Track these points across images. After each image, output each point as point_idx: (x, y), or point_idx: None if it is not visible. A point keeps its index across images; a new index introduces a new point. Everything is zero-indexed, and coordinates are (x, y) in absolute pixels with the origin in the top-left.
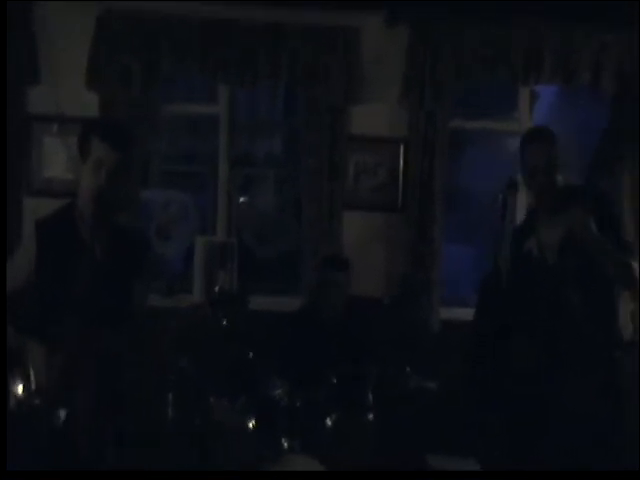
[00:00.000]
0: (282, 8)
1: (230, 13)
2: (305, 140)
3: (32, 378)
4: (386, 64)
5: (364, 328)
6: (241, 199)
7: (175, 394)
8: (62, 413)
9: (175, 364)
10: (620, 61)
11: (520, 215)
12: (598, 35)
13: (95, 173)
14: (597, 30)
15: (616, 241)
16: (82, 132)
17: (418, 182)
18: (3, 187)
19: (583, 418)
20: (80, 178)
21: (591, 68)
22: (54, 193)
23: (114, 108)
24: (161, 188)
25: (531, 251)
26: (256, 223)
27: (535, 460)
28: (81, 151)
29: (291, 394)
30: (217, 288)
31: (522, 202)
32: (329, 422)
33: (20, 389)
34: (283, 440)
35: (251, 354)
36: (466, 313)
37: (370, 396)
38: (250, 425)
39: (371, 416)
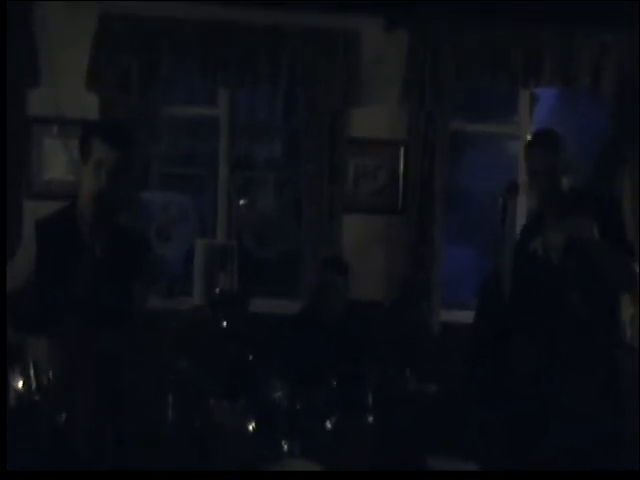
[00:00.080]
0: (282, 10)
1: (230, 14)
2: (305, 143)
3: (32, 378)
4: (386, 66)
5: (364, 330)
6: (241, 201)
7: (175, 395)
8: (62, 413)
9: (175, 365)
10: (620, 62)
11: (520, 218)
12: (598, 36)
13: (96, 174)
14: (597, 31)
15: (618, 245)
16: (83, 133)
17: (418, 184)
18: (3, 189)
19: (583, 418)
20: (81, 179)
21: (591, 70)
22: (54, 195)
23: (114, 110)
24: (161, 190)
25: (536, 251)
26: (256, 225)
27: (535, 460)
28: (82, 152)
29: (291, 396)
30: (217, 290)
31: (522, 205)
32: (329, 425)
33: (20, 389)
34: (283, 442)
35: (251, 356)
36: (466, 315)
37: (370, 399)
38: (250, 427)
39: (371, 419)
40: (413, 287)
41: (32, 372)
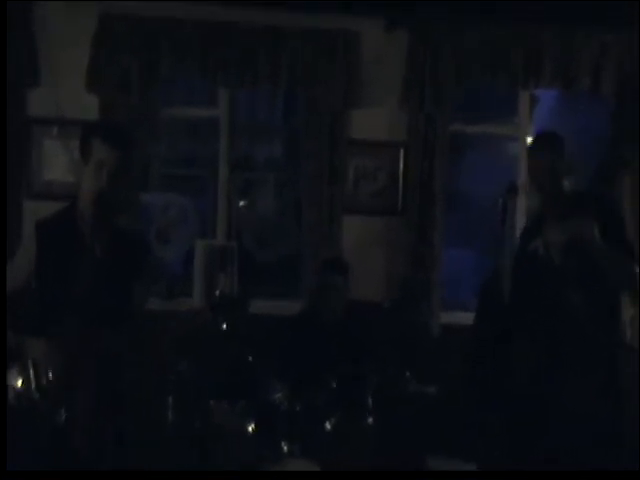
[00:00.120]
0: (282, 10)
1: (230, 15)
2: (305, 144)
3: (32, 378)
4: (386, 67)
5: (364, 331)
6: (241, 202)
7: (175, 396)
8: (62, 413)
9: (175, 366)
10: (620, 62)
11: (520, 219)
12: (598, 36)
13: (96, 175)
14: (597, 31)
15: (619, 246)
16: (83, 134)
17: (418, 186)
18: (3, 189)
19: (583, 418)
20: (81, 180)
21: (591, 70)
22: (54, 196)
23: (114, 110)
24: (161, 191)
25: (537, 250)
26: (256, 227)
27: (535, 460)
28: (82, 153)
29: (291, 397)
30: (218, 292)
31: (522, 206)
32: (329, 425)
33: (20, 389)
34: (283, 443)
35: (251, 357)
36: (466, 317)
37: (370, 399)
38: (250, 428)
39: (371, 419)
40: (413, 288)
41: (32, 372)
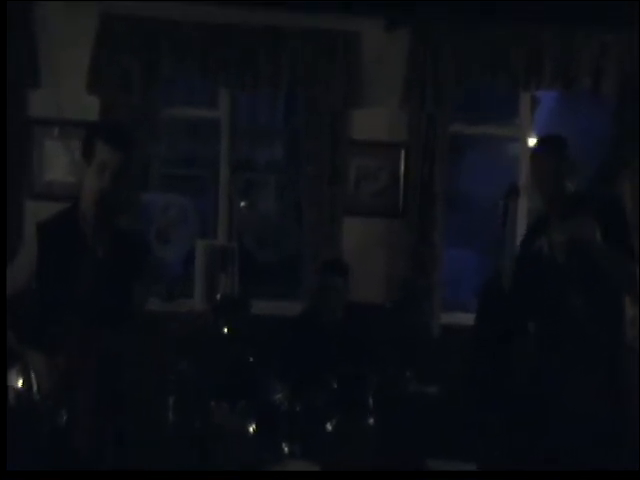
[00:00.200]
0: (282, 11)
1: (230, 15)
2: (306, 145)
3: (32, 378)
4: (386, 67)
5: (365, 332)
6: (242, 203)
7: (176, 397)
8: (62, 413)
9: (176, 367)
10: (620, 63)
11: (521, 220)
12: (598, 36)
13: (99, 176)
14: (597, 31)
15: (620, 246)
16: (86, 135)
17: (419, 186)
18: (4, 190)
19: (583, 418)
20: (83, 181)
21: (591, 71)
22: (55, 196)
23: (115, 111)
24: (161, 191)
25: (541, 249)
26: (257, 227)
27: (535, 460)
28: (85, 154)
29: (292, 398)
30: (218, 292)
31: (523, 207)
32: (329, 426)
33: (20, 389)
34: (283, 444)
35: (252, 358)
36: (467, 317)
37: (370, 400)
38: (251, 429)
39: (372, 420)
40: (414, 289)
41: (32, 372)
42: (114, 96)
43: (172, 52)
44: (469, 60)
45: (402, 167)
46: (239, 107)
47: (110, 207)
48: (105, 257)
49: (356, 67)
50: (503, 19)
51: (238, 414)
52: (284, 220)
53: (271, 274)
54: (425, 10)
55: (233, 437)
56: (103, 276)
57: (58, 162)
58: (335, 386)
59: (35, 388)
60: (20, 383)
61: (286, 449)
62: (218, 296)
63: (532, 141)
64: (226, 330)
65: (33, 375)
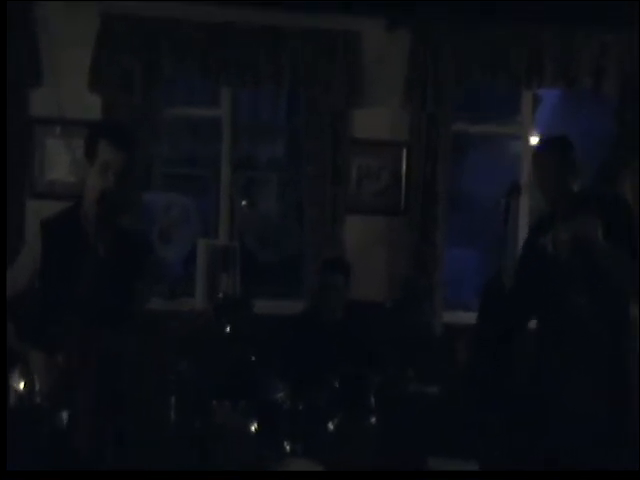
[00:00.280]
0: (282, 11)
1: (230, 15)
2: (307, 144)
3: (34, 378)
4: (388, 66)
5: (366, 331)
6: (243, 202)
7: (177, 396)
8: (63, 413)
9: (177, 367)
10: (621, 62)
11: (523, 219)
12: (598, 36)
13: (102, 176)
14: (597, 31)
15: (623, 246)
16: (88, 135)
17: (421, 185)
18: (5, 189)
19: (583, 418)
20: (86, 181)
21: (592, 70)
22: (57, 195)
23: (116, 110)
24: (163, 191)
25: (545, 247)
26: (258, 226)
27: (535, 460)
28: (87, 154)
29: (293, 397)
30: (220, 292)
31: (525, 206)
32: (331, 425)
33: (21, 389)
34: (285, 443)
35: (253, 357)
36: (468, 317)
37: (372, 399)
38: (252, 428)
39: (373, 419)
40: (415, 288)
41: (34, 372)
42: (115, 96)
43: (173, 52)
44: (469, 60)
45: (404, 166)
46: (240, 105)
47: (112, 207)
48: (107, 256)
49: (357, 67)
50: (503, 19)
51: (239, 413)
52: (285, 219)
53: (272, 273)
54: (425, 10)
55: (234, 436)
56: (105, 275)
57: (59, 161)
58: (336, 385)
59: (36, 388)
60: (21, 383)
61: (288, 448)
62: (219, 295)
63: (534, 139)
64: (227, 329)
65: (34, 374)
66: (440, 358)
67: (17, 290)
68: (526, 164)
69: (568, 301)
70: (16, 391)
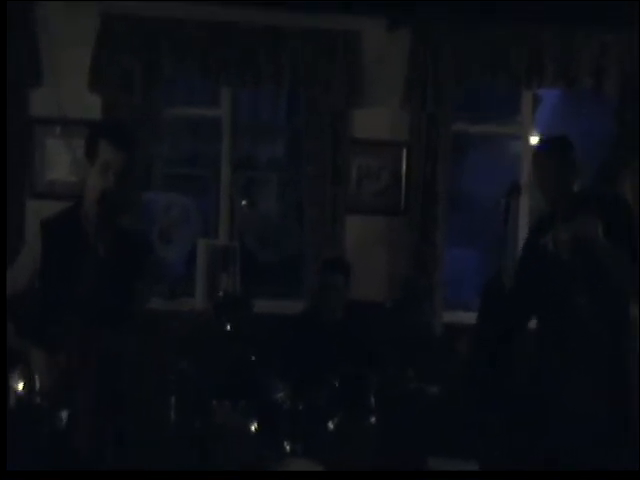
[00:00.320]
0: (282, 11)
1: (230, 15)
2: (307, 145)
3: (34, 378)
4: (388, 66)
5: (366, 331)
6: (243, 202)
7: (177, 396)
8: (63, 413)
9: (177, 367)
10: (621, 62)
11: (523, 219)
12: (598, 36)
13: (103, 176)
14: (597, 31)
15: (623, 246)
16: (89, 135)
17: (421, 185)
18: (5, 189)
19: (583, 418)
20: (86, 180)
21: (592, 70)
22: (57, 195)
23: (116, 110)
24: (163, 191)
25: (546, 247)
26: (258, 226)
27: (535, 460)
28: (88, 154)
29: (293, 397)
30: (220, 291)
31: (525, 206)
32: (331, 425)
33: (21, 389)
34: (285, 443)
35: (253, 357)
36: (468, 317)
37: (372, 399)
38: (252, 428)
39: (373, 419)
40: (415, 288)
41: (34, 371)
42: (115, 96)
43: (173, 52)
44: (469, 60)
45: (404, 166)
46: (241, 105)
47: (113, 207)
48: (107, 256)
49: (357, 67)
50: (503, 19)
51: (239, 413)
52: (285, 219)
53: (272, 273)
54: (425, 10)
55: (234, 436)
56: (105, 275)
57: (60, 161)
58: (336, 385)
59: (36, 388)
60: (21, 383)
61: (288, 448)
62: (219, 295)
63: (534, 139)
64: (227, 328)
65: (35, 374)
66: (440, 358)
67: (17, 290)
68: (526, 164)
69: (568, 301)
70: (16, 391)
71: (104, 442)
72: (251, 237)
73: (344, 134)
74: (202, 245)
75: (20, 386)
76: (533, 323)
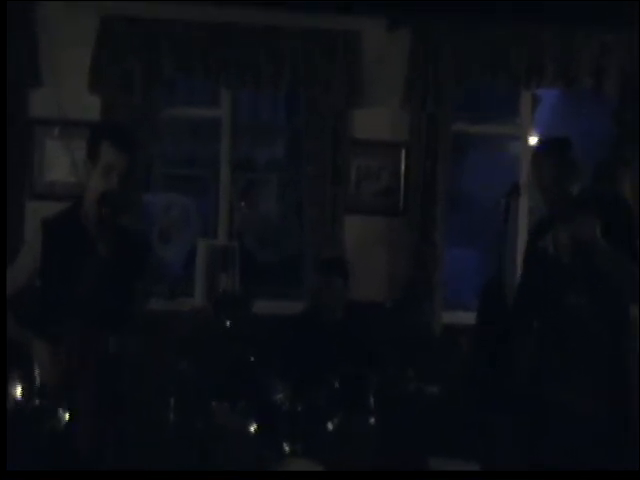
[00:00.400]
0: (282, 11)
1: (230, 15)
2: (307, 145)
3: (34, 377)
4: (388, 67)
5: (366, 331)
6: (243, 203)
7: (177, 397)
8: (63, 413)
9: (177, 367)
10: (621, 62)
11: (522, 219)
12: (598, 36)
13: (105, 177)
14: (597, 31)
15: (623, 247)
16: (91, 136)
17: (420, 186)
18: (4, 190)
19: (584, 418)
20: (88, 182)
21: (592, 70)
22: (56, 196)
23: (116, 111)
24: (163, 191)
25: (546, 249)
26: (258, 227)
27: (535, 460)
28: (90, 155)
29: (293, 397)
30: (220, 292)
31: (524, 206)
32: (331, 425)
33: (21, 389)
34: (285, 444)
35: (253, 357)
36: (468, 317)
37: (372, 399)
38: (252, 428)
39: (373, 419)
40: (415, 288)
41: (34, 372)
42: (115, 96)
43: (173, 52)
44: (469, 60)
45: (403, 167)
46: (241, 106)
47: (114, 207)
48: (107, 256)
49: (357, 67)
50: (503, 19)
51: (239, 414)
52: (285, 220)
53: (272, 274)
54: (425, 10)
55: (234, 437)
56: (105, 275)
57: (59, 162)
58: (337, 385)
59: (36, 387)
60: (21, 384)
61: (287, 449)
62: (219, 295)
63: (533, 140)
64: (227, 327)
65: (35, 374)
66: (440, 358)
67: (17, 289)
68: (526, 164)
69: (568, 301)
70: (16, 391)
71: (104, 442)
72: (251, 237)
73: (344, 134)
74: (202, 245)
75: (20, 386)
76: (533, 323)
